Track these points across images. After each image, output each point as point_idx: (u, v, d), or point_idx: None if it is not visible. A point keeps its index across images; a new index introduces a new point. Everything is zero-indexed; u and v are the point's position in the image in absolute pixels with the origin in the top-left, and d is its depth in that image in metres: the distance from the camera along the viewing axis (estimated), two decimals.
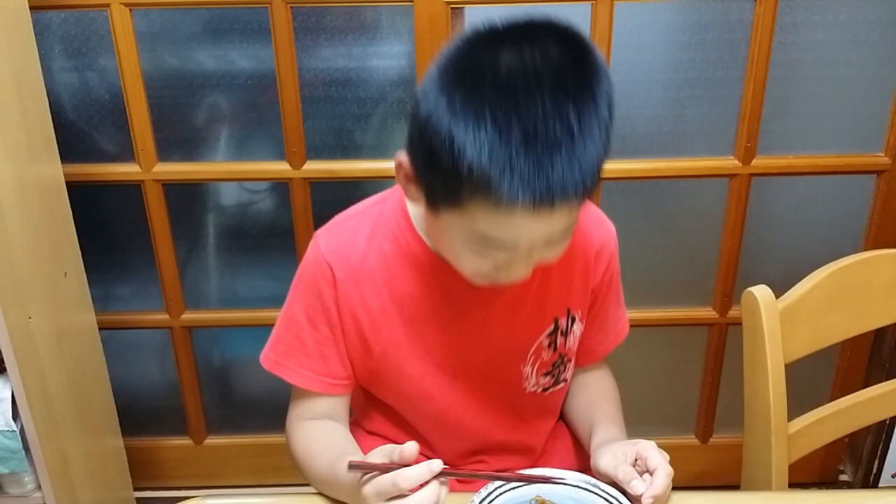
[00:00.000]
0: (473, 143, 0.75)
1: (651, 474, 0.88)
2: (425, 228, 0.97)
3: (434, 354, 1.02)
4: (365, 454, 0.94)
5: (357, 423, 1.15)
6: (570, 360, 1.09)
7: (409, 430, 1.09)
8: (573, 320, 1.05)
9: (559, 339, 1.05)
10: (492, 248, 0.84)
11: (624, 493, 0.90)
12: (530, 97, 0.75)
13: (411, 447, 0.79)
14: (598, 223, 1.07)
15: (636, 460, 0.91)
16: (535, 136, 0.75)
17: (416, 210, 0.98)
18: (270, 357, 1.04)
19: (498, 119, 0.74)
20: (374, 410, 1.12)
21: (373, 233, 0.99)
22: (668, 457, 0.91)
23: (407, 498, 0.78)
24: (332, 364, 1.02)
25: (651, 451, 0.90)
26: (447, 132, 0.76)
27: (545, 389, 1.09)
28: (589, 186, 0.79)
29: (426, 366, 1.02)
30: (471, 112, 0.75)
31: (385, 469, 0.80)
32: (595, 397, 1.13)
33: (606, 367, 1.18)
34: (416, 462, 0.80)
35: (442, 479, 0.80)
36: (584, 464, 1.13)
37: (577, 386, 1.15)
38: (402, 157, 0.87)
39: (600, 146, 0.79)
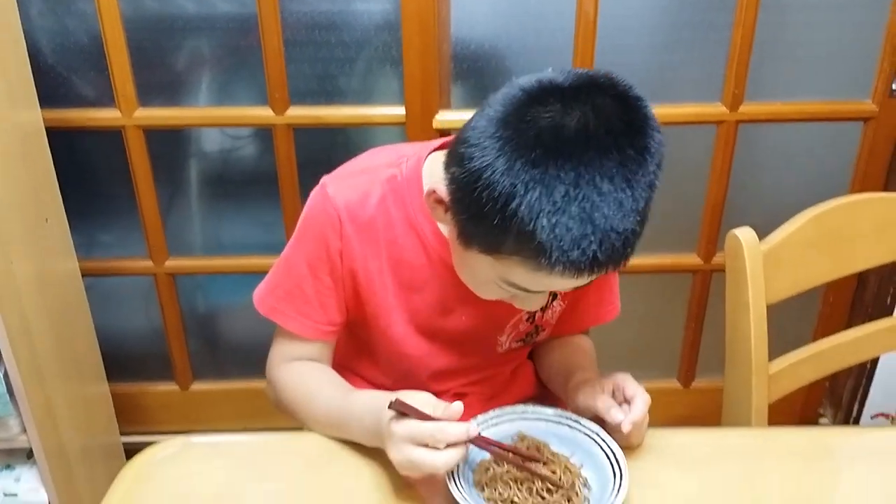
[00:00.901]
0: (531, 210, 0.75)
1: (629, 403, 0.90)
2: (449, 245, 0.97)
3: (417, 320, 1.03)
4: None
5: (338, 363, 1.15)
6: (544, 330, 1.11)
7: (386, 373, 1.11)
8: (554, 297, 1.06)
9: (537, 314, 1.07)
10: (518, 290, 0.86)
11: (604, 426, 0.92)
12: (592, 174, 0.75)
13: (458, 407, 0.81)
14: None
15: (613, 392, 0.93)
16: (592, 216, 0.75)
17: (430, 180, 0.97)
18: (268, 302, 1.03)
19: (559, 192, 0.75)
20: (357, 353, 1.12)
21: (384, 197, 0.98)
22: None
23: (439, 452, 0.80)
24: (330, 312, 1.02)
25: (628, 381, 0.92)
26: (504, 192, 0.76)
27: (514, 349, 1.12)
28: (628, 260, 0.81)
29: (408, 328, 1.04)
30: (532, 179, 0.75)
31: (424, 417, 0.81)
32: (570, 354, 1.14)
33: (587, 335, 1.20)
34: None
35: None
36: (543, 394, 1.17)
37: (554, 346, 1.17)
38: (440, 190, 0.85)
39: (643, 226, 0.81)
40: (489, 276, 0.86)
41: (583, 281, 0.81)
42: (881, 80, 1.67)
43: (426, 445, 0.81)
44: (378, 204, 0.97)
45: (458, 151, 0.81)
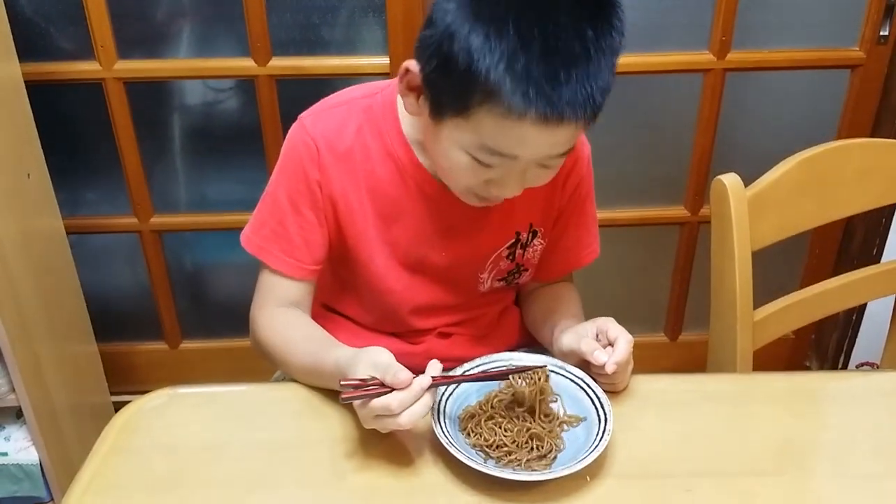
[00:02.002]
0: (493, 50, 0.77)
1: (612, 346, 0.90)
2: (419, 139, 0.98)
3: (398, 252, 1.03)
4: (331, 333, 0.99)
5: (323, 304, 1.15)
6: (526, 270, 1.10)
7: (369, 310, 1.11)
8: (534, 234, 1.07)
9: (518, 251, 1.07)
10: (492, 158, 0.85)
11: (589, 371, 0.92)
12: (552, 12, 0.77)
13: (406, 375, 0.80)
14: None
15: (598, 336, 0.93)
16: (556, 49, 0.77)
17: (406, 115, 0.97)
18: (254, 241, 1.03)
19: (520, 28, 0.76)
20: (340, 291, 1.12)
21: (360, 126, 0.99)
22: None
23: (399, 416, 0.80)
24: (314, 248, 1.02)
25: (610, 324, 0.92)
26: (466, 37, 0.78)
27: (496, 290, 1.11)
28: (597, 107, 0.81)
29: (390, 261, 1.04)
30: (493, 18, 0.77)
31: (376, 393, 0.80)
32: (555, 301, 1.13)
33: (570, 282, 1.19)
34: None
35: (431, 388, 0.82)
36: (529, 340, 1.18)
37: (539, 295, 1.16)
38: (411, 64, 0.87)
39: (610, 72, 0.81)
40: (464, 148, 0.86)
41: (552, 136, 0.81)
42: (868, 27, 1.66)
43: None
44: (355, 134, 0.98)
45: (426, 21, 0.85)
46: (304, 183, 0.99)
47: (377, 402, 0.80)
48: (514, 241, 1.06)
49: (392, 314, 1.08)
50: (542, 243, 1.08)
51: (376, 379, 0.81)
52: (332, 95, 1.03)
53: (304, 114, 1.01)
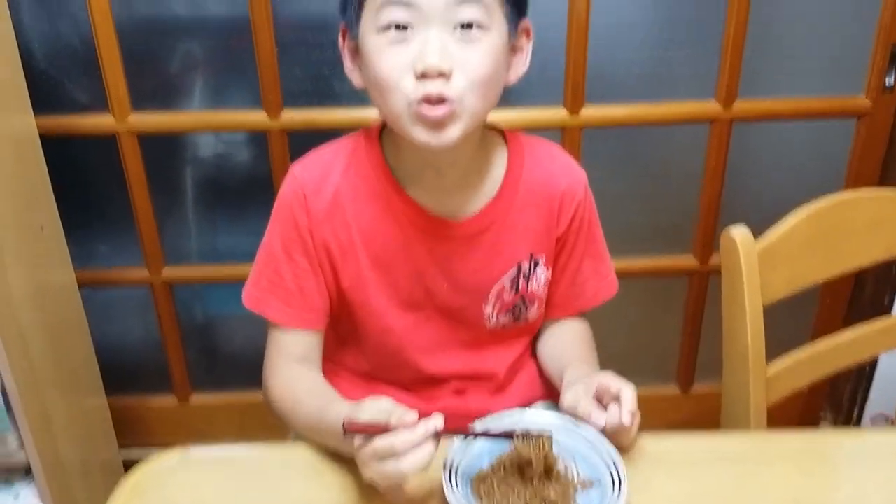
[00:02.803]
0: None
1: (618, 399, 0.90)
2: (406, 172, 1.00)
3: (398, 291, 1.04)
4: (341, 391, 0.99)
5: (326, 357, 1.15)
6: (532, 303, 1.10)
7: (374, 364, 1.11)
8: (536, 264, 1.07)
9: (521, 282, 1.07)
10: (397, 13, 0.88)
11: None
12: None
13: (413, 416, 0.79)
14: (564, 168, 1.08)
15: (603, 396, 0.92)
16: None
17: (391, 150, 1.00)
18: (253, 294, 1.05)
19: None
20: (340, 344, 1.13)
21: (346, 167, 1.01)
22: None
23: (403, 457, 0.78)
24: (310, 297, 1.03)
25: (610, 379, 0.91)
26: None
27: (505, 326, 1.10)
28: None
29: (391, 301, 1.05)
30: None
31: (381, 430, 0.79)
32: (568, 341, 1.13)
33: (583, 319, 1.19)
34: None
35: (434, 437, 0.81)
36: (548, 393, 1.17)
37: (551, 333, 1.16)
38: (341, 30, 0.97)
39: None
40: (383, 41, 0.89)
41: None
42: (874, 75, 1.67)
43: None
44: (342, 176, 1.01)
45: None
46: (295, 230, 1.00)
47: (381, 442, 0.78)
48: (515, 271, 1.06)
49: (397, 356, 1.08)
50: (546, 273, 1.08)
51: (380, 424, 0.80)
52: (323, 144, 1.06)
53: (294, 163, 1.03)
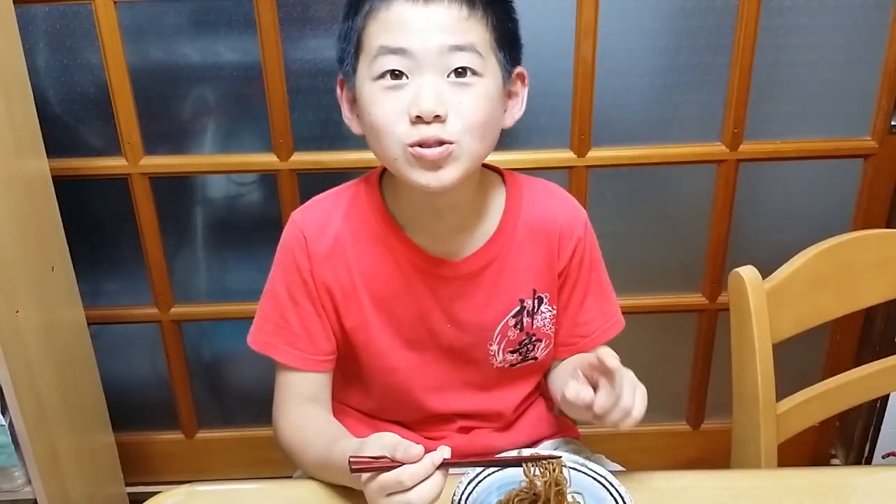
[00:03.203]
0: None
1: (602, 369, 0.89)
2: (407, 217, 1.01)
3: (402, 332, 1.05)
4: (348, 429, 0.97)
5: (332, 397, 1.15)
6: (539, 341, 1.09)
7: (379, 403, 1.11)
8: (540, 301, 1.07)
9: (525, 320, 1.07)
10: (390, 60, 0.89)
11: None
12: None
13: (418, 449, 0.79)
14: (563, 205, 1.09)
15: (587, 374, 0.91)
16: None
17: (391, 195, 1.02)
18: (259, 338, 1.05)
19: None
20: (346, 384, 1.13)
21: (347, 212, 1.03)
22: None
23: (410, 492, 0.78)
24: (317, 339, 1.03)
25: (590, 356, 0.91)
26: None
27: (512, 365, 1.10)
28: None
29: (395, 342, 1.05)
30: None
31: (387, 467, 0.79)
32: (573, 361, 1.12)
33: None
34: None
35: (443, 469, 0.80)
36: (556, 431, 1.16)
37: (562, 366, 1.15)
38: (339, 80, 1.00)
39: None
40: (377, 88, 0.90)
41: (436, 19, 0.88)
42: (880, 117, 1.68)
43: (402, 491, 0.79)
44: (343, 220, 1.02)
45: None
46: (298, 274, 1.01)
47: (388, 477, 0.78)
48: (519, 308, 1.06)
49: (403, 395, 1.08)
50: (551, 310, 1.08)
51: (386, 458, 0.80)
52: (324, 192, 1.08)
53: (295, 210, 1.05)
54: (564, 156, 1.68)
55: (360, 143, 1.66)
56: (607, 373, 0.88)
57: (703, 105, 1.67)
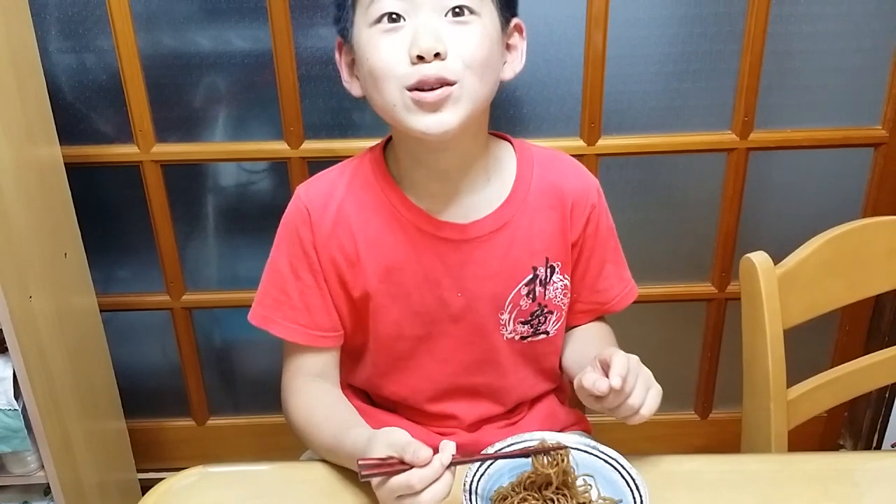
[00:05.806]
0: None
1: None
2: (409, 179, 1.01)
3: (410, 301, 1.03)
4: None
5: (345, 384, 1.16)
6: (550, 312, 1.08)
7: (385, 379, 1.10)
8: (552, 270, 1.06)
9: (538, 289, 1.05)
10: (391, 5, 0.89)
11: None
12: None
13: (427, 452, 0.79)
14: (575, 174, 1.08)
15: (603, 368, 0.92)
16: None
17: (394, 160, 1.02)
18: (258, 312, 1.05)
19: None
20: (351, 362, 1.12)
21: (351, 182, 1.02)
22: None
23: (421, 495, 0.78)
24: (317, 315, 1.03)
25: (608, 352, 0.92)
26: None
27: (523, 338, 1.09)
28: None
29: (404, 311, 1.04)
30: None
31: (395, 468, 0.80)
32: (590, 341, 1.12)
33: (604, 322, 1.18)
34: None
35: (450, 467, 0.81)
36: (568, 424, 1.16)
37: (574, 337, 1.15)
38: (338, 45, 0.99)
39: None
40: (375, 31, 0.90)
41: None
42: (890, 105, 1.68)
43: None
44: (346, 190, 1.02)
45: None
46: (300, 247, 1.01)
47: (397, 480, 0.79)
48: (531, 276, 1.05)
49: (410, 362, 1.07)
50: (563, 281, 1.07)
51: (395, 458, 0.80)
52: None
53: (300, 185, 1.05)
54: (574, 144, 1.68)
55: (370, 130, 1.69)
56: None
57: (714, 93, 1.67)
